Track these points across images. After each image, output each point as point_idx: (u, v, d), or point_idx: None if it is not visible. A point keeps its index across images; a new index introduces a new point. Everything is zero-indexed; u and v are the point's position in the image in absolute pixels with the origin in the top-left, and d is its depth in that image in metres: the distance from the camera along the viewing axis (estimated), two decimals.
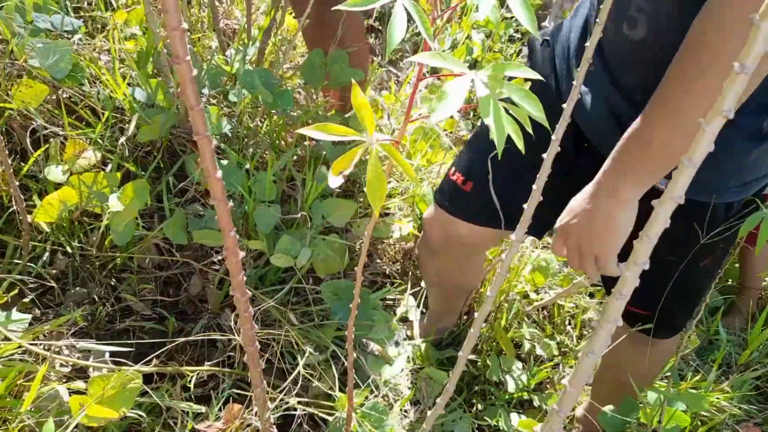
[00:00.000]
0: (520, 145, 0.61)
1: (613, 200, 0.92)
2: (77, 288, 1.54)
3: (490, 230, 1.28)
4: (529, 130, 0.62)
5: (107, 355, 1.29)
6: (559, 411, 0.68)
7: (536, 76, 0.59)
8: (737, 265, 2.41)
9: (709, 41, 0.76)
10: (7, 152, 1.39)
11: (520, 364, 1.73)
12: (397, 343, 1.55)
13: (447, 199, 1.30)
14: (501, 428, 1.56)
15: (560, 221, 1.01)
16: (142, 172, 1.61)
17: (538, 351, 1.80)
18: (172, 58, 0.63)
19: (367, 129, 0.62)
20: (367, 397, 1.38)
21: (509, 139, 0.56)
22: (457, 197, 1.28)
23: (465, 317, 1.77)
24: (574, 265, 1.01)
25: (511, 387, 1.68)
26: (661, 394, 1.33)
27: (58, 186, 1.45)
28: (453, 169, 1.29)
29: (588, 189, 0.96)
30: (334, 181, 0.61)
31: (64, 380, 1.30)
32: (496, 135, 0.55)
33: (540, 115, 0.58)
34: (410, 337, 1.66)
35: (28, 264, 1.51)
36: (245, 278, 0.82)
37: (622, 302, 0.57)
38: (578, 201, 0.97)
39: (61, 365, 1.36)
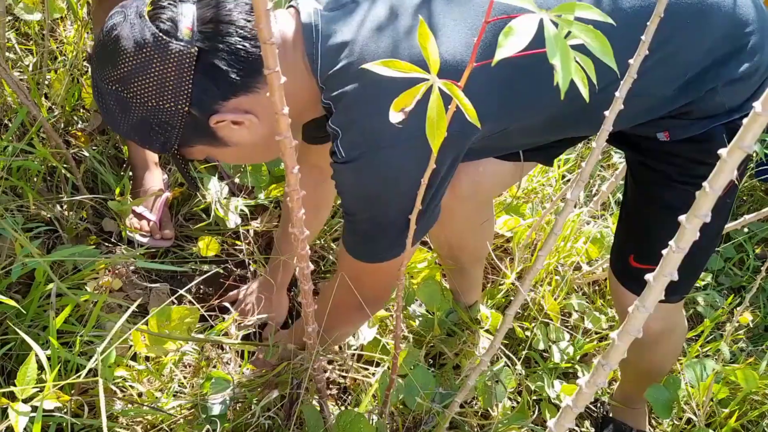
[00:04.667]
0: (584, 93, 0.60)
1: None
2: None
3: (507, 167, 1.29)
4: (594, 78, 0.61)
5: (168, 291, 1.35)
6: (605, 365, 0.68)
7: (607, 18, 0.58)
8: None
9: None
10: None
11: (567, 335, 1.72)
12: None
13: None
14: (543, 394, 1.56)
15: None
16: None
17: (587, 324, 1.78)
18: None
19: (430, 67, 0.63)
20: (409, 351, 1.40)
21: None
22: None
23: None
24: None
25: (556, 357, 1.67)
26: (710, 368, 1.30)
27: None
28: None
29: None
30: (395, 117, 0.62)
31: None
32: (561, 77, 0.55)
33: (609, 60, 0.57)
34: None
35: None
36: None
37: (680, 255, 0.56)
38: None
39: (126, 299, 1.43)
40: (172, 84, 0.90)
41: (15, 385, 0.89)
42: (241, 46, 0.91)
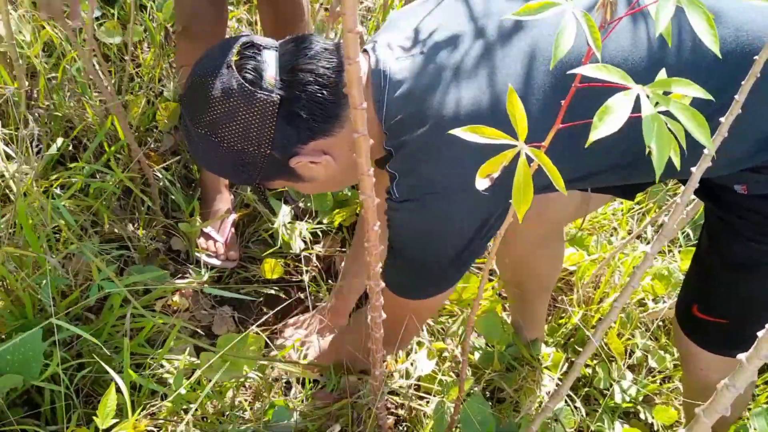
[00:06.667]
0: (676, 161, 0.59)
1: None
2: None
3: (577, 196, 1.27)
4: (684, 144, 0.59)
5: (234, 316, 1.38)
6: None
7: (706, 95, 0.56)
8: None
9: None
10: None
11: (629, 375, 1.68)
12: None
13: None
14: None
15: None
16: None
17: (650, 363, 1.73)
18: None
19: (518, 133, 0.63)
20: (469, 393, 1.39)
21: None
22: None
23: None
24: None
25: (617, 397, 1.63)
26: None
27: None
28: None
29: None
30: (481, 184, 0.62)
31: (191, 335, 1.41)
32: (656, 159, 0.54)
33: (706, 139, 0.56)
34: None
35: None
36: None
37: None
38: None
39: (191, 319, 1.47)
40: (256, 130, 0.95)
41: (94, 412, 0.92)
42: (320, 95, 0.95)
